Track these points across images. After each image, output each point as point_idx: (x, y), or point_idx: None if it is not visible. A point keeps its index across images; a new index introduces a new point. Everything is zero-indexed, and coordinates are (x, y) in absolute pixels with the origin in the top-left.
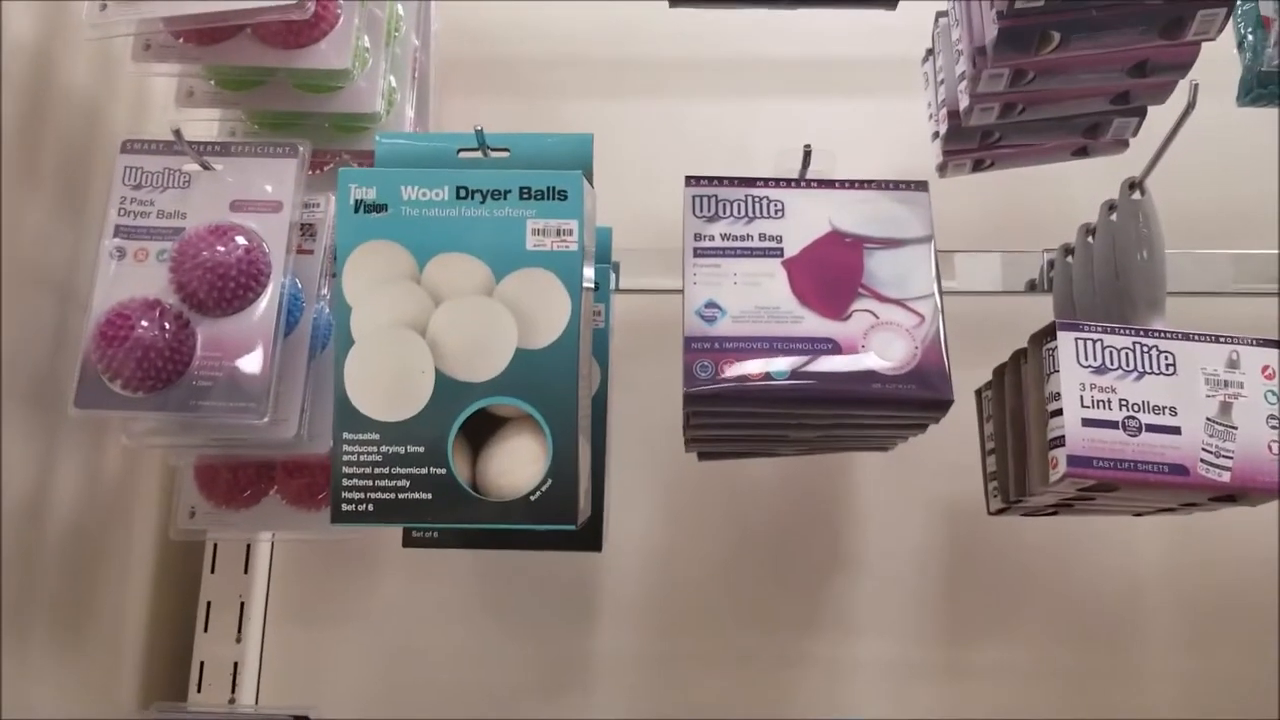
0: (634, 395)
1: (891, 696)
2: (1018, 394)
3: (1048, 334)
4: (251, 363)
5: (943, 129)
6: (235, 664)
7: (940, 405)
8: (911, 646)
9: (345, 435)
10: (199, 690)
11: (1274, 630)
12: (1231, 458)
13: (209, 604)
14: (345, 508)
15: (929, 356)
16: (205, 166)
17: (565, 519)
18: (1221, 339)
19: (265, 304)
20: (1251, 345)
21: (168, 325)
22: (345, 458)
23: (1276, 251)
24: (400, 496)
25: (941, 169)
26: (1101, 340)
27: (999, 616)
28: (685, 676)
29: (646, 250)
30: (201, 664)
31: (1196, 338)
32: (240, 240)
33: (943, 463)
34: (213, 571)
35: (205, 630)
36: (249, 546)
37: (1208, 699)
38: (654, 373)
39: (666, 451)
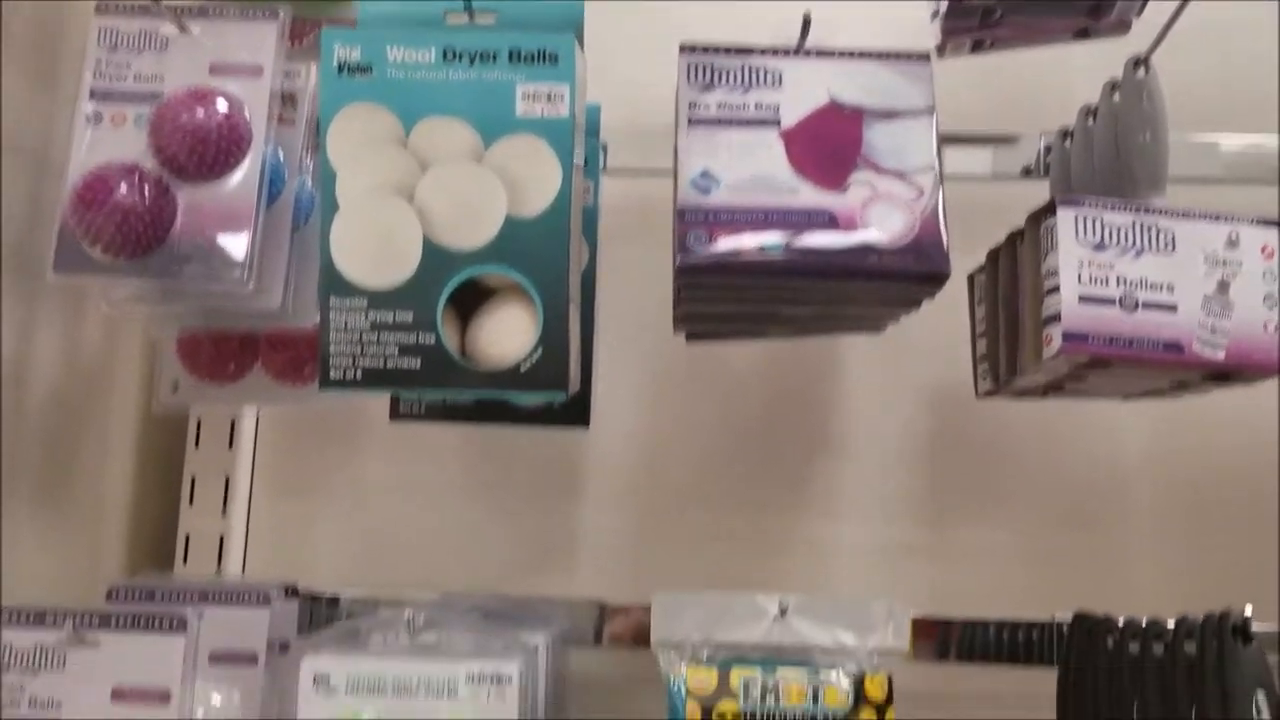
0: (620, 279)
1: (875, 577)
2: (1012, 274)
3: (1047, 211)
4: (234, 230)
5: (943, 7)
6: (221, 537)
7: (937, 279)
8: (896, 528)
9: (332, 300)
10: (185, 563)
11: (1260, 514)
12: (1227, 336)
13: (193, 478)
14: (333, 374)
15: (927, 229)
16: (182, 29)
17: (556, 387)
18: (1221, 218)
19: (247, 170)
20: (1251, 225)
21: (148, 190)
22: (332, 323)
23: (1277, 139)
24: (389, 365)
25: (940, 49)
26: (1101, 217)
27: (983, 500)
28: (670, 556)
29: (635, 131)
30: (187, 537)
31: (1197, 216)
32: (221, 104)
33: (931, 349)
34: (197, 446)
35: (190, 504)
36: (233, 422)
37: (1189, 580)
38: (641, 256)
39: (654, 334)
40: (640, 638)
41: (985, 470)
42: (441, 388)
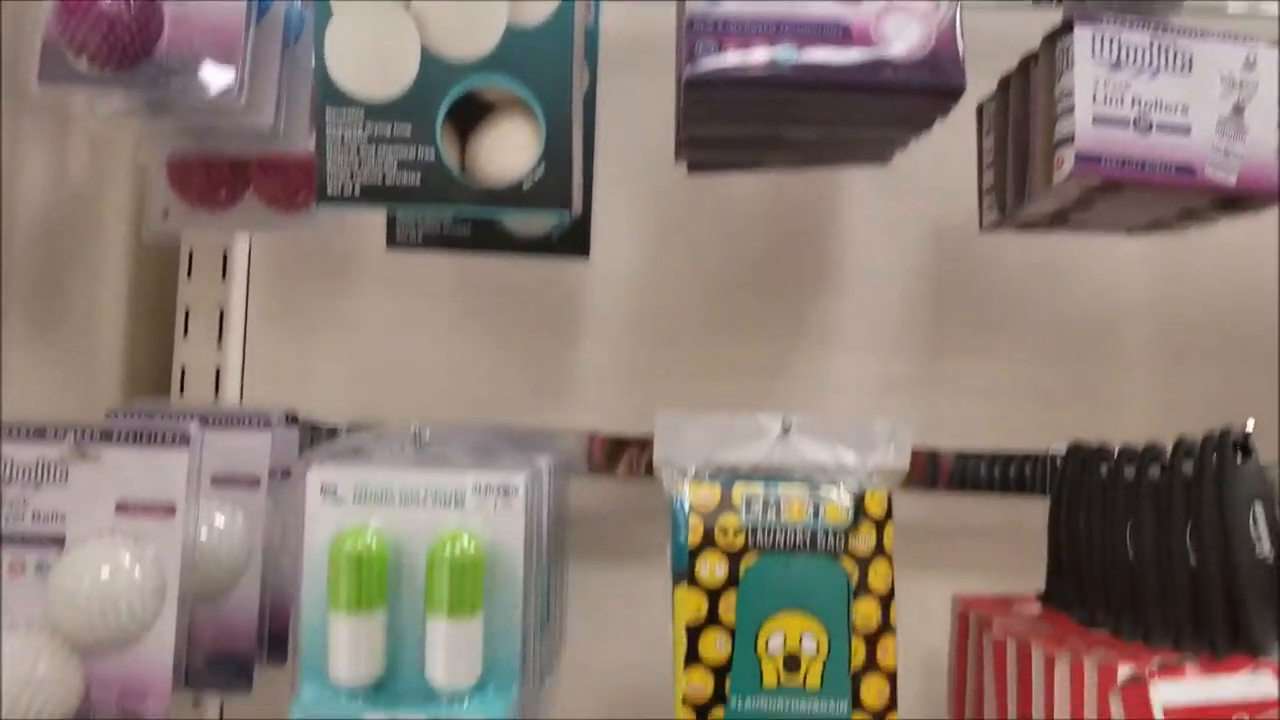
0: (620, 109)
1: (870, 409)
2: (1024, 99)
3: (1063, 30)
4: (222, 42)
5: None
6: (217, 369)
7: (953, 94)
8: (892, 362)
9: (328, 111)
10: (181, 394)
11: (1260, 350)
12: (1240, 159)
13: (187, 309)
14: (330, 189)
15: (943, 42)
16: None
17: (559, 205)
18: (1240, 39)
19: None
20: (1270, 46)
21: None
22: (329, 136)
23: None
24: (387, 180)
25: None
26: (1119, 36)
27: (982, 335)
28: (667, 387)
29: None
30: (183, 369)
31: (1215, 37)
32: None
33: (934, 185)
34: (189, 277)
35: (185, 335)
36: (225, 253)
37: (1188, 415)
38: (641, 87)
39: (654, 167)
40: (638, 468)
41: (985, 305)
42: (441, 204)
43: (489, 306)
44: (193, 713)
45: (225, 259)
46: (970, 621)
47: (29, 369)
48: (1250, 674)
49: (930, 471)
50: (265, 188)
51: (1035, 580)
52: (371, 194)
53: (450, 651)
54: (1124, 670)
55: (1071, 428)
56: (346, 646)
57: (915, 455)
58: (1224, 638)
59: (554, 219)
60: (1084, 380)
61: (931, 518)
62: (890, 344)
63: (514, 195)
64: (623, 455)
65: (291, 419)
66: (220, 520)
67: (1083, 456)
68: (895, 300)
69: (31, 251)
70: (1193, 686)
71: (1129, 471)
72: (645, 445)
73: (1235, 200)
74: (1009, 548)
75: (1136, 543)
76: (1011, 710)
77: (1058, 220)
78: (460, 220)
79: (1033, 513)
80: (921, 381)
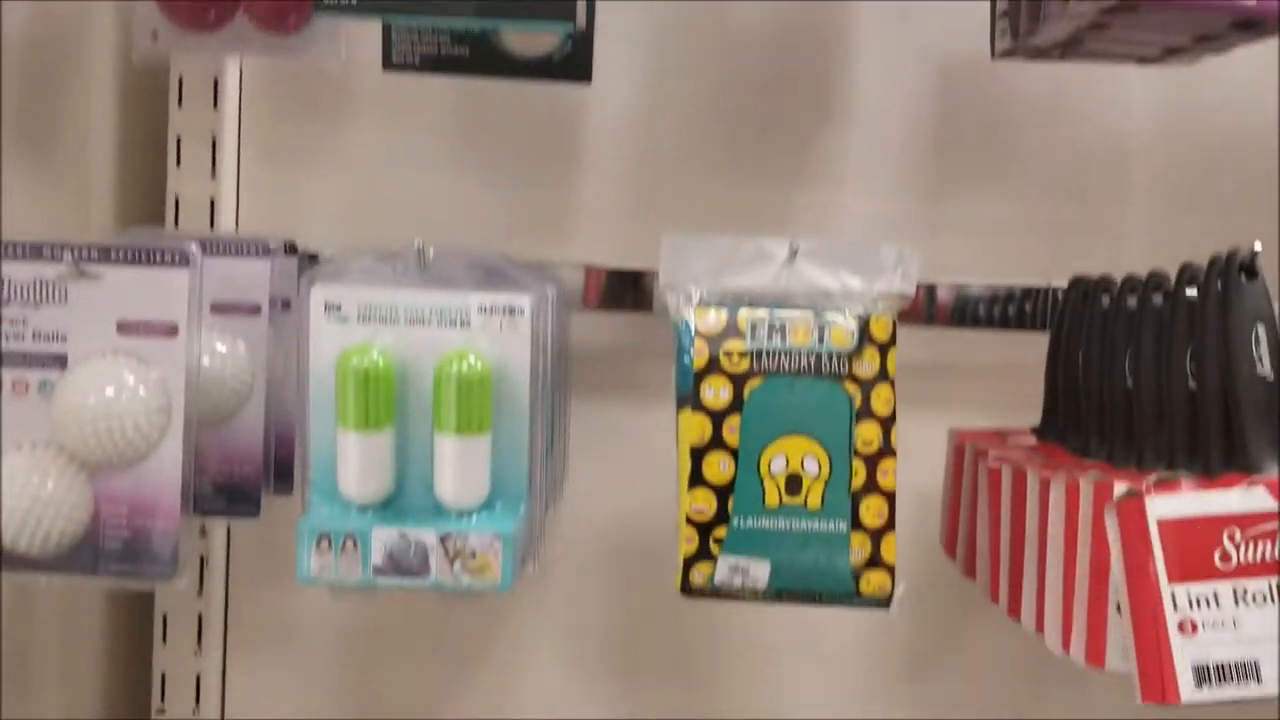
0: None
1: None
2: None
3: None
4: None
5: None
6: (211, 200)
7: None
8: (897, 199)
9: None
10: (176, 225)
11: (1268, 191)
12: None
13: (179, 139)
14: None
15: None
16: None
17: (561, 17)
18: None
19: None
20: None
21: None
22: None
23: None
24: None
25: None
26: None
27: (985, 171)
28: (668, 224)
29: None
30: (177, 200)
31: None
32: None
33: (942, 15)
34: (180, 105)
35: (178, 165)
36: (216, 81)
37: (1186, 256)
38: None
39: None
40: (635, 303)
41: (991, 142)
42: (440, 14)
43: (487, 139)
44: (200, 542)
45: (216, 86)
46: (966, 452)
47: (17, 198)
48: (1244, 489)
49: (928, 308)
50: (255, 9)
51: (1032, 418)
52: (367, 4)
53: (458, 469)
54: (1120, 487)
55: (1076, 265)
56: (355, 462)
57: (920, 290)
58: (1219, 457)
59: (557, 32)
60: (1093, 218)
61: (930, 355)
62: (895, 181)
63: (515, 5)
64: (619, 289)
65: (290, 249)
66: (222, 346)
67: (1085, 289)
68: (901, 135)
69: (16, 75)
70: (1187, 500)
71: (1131, 301)
72: (641, 279)
73: (1252, 22)
74: (1007, 385)
75: (1136, 370)
76: (1005, 534)
77: (1070, 47)
78: (459, 40)
79: (1032, 350)
80: (927, 220)
